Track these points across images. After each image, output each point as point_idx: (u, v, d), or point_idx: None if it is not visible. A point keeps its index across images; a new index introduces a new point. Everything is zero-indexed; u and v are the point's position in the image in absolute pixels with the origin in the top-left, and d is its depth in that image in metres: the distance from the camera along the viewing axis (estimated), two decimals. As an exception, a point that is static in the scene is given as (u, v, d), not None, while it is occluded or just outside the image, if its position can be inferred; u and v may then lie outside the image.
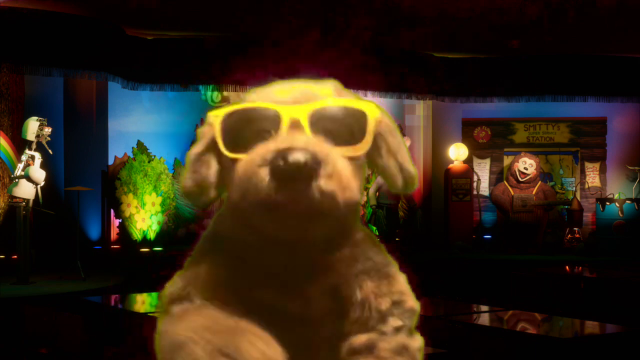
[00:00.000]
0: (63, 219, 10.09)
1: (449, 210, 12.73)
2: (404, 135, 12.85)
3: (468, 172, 12.78)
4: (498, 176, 13.45)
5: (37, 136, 8.74)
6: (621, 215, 12.02)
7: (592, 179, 13.47)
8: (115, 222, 11.28)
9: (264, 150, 1.23)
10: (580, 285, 8.65)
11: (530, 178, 12.54)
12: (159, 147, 11.71)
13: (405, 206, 12.30)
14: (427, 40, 11.88)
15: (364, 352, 1.33)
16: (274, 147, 1.22)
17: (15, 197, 8.66)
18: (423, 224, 12.98)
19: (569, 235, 12.32)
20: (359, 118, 1.33)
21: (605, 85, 12.89)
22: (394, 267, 1.41)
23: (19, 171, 8.69)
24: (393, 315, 1.36)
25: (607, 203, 12.19)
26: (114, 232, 11.34)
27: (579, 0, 9.73)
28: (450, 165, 12.81)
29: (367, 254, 1.38)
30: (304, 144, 1.23)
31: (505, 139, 13.57)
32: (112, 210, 11.21)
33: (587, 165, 13.49)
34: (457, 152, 12.73)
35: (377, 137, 1.35)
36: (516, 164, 12.65)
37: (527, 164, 12.56)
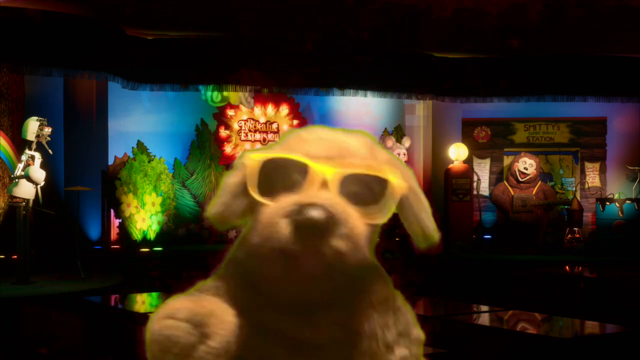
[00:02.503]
0: (63, 219, 10.09)
1: (449, 210, 12.73)
2: (403, 135, 12.91)
3: (468, 172, 12.78)
4: (498, 176, 13.45)
5: (37, 136, 8.73)
6: (621, 215, 12.02)
7: (592, 179, 13.47)
8: (115, 222, 11.28)
9: (288, 201, 1.29)
10: (580, 285, 8.65)
11: (530, 178, 12.55)
12: (159, 147, 11.71)
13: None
14: (427, 40, 11.88)
15: None
16: (297, 200, 1.28)
17: (15, 197, 8.66)
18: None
19: (569, 235, 12.32)
20: (385, 186, 1.37)
21: (605, 85, 12.89)
22: (399, 300, 1.47)
23: (19, 171, 8.69)
24: (399, 345, 1.43)
25: (607, 203, 12.19)
26: (114, 232, 11.35)
27: (579, 1, 9.73)
28: (450, 165, 12.81)
29: (375, 287, 1.44)
30: (326, 201, 1.28)
31: (505, 139, 13.57)
32: (112, 210, 11.22)
33: (587, 165, 13.49)
34: (457, 152, 12.73)
35: (402, 200, 1.40)
36: (516, 164, 12.65)
37: (527, 164, 12.56)
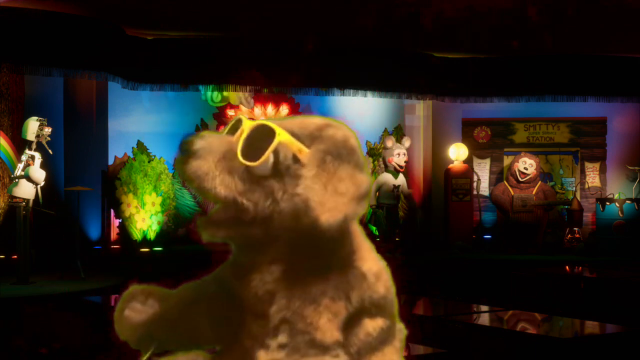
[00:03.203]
0: (63, 219, 10.09)
1: (449, 210, 12.73)
2: (403, 135, 12.91)
3: (468, 172, 12.78)
4: (498, 176, 13.45)
5: (37, 136, 8.73)
6: (621, 215, 12.02)
7: (592, 179, 13.47)
8: (115, 222, 11.28)
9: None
10: (580, 285, 8.65)
11: (530, 178, 12.54)
12: (159, 147, 11.70)
13: (405, 206, 12.31)
14: (427, 40, 11.88)
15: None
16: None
17: (15, 197, 8.66)
18: (423, 224, 12.98)
19: (569, 235, 12.32)
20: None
21: (605, 85, 12.89)
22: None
23: (19, 171, 8.69)
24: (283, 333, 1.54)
25: (607, 203, 12.19)
26: (114, 232, 11.34)
27: (579, 1, 9.73)
28: (450, 165, 12.81)
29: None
30: (198, 139, 1.65)
31: (505, 139, 13.57)
32: (112, 210, 11.21)
33: (587, 165, 13.49)
34: (457, 152, 12.73)
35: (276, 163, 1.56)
36: (516, 164, 12.65)
37: (527, 164, 12.56)
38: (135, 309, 1.76)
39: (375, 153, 12.65)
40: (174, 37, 11.55)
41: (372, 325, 1.52)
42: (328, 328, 1.51)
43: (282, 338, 1.50)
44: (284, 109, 12.51)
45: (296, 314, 1.50)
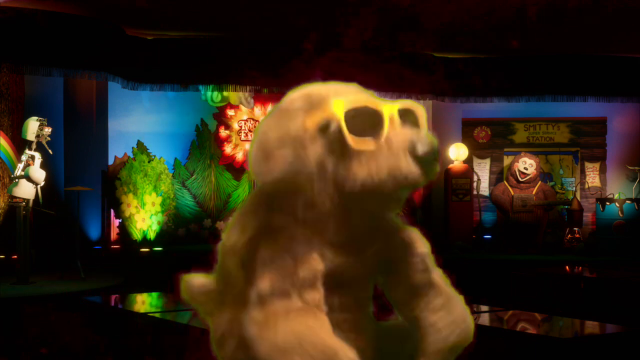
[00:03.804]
0: (63, 219, 10.09)
1: (449, 210, 12.73)
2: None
3: (468, 172, 12.78)
4: (498, 176, 13.45)
5: (37, 136, 8.73)
6: (621, 215, 12.02)
7: (592, 179, 13.47)
8: (115, 222, 11.28)
9: (399, 139, 1.57)
10: (580, 285, 8.65)
11: (530, 178, 12.54)
12: (159, 147, 11.71)
13: (405, 206, 12.29)
14: (427, 40, 11.87)
15: (427, 289, 1.84)
16: (408, 138, 1.58)
17: (15, 197, 8.66)
18: (423, 224, 12.96)
19: (569, 235, 12.32)
20: (415, 115, 1.69)
21: (605, 85, 12.89)
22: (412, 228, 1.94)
23: (19, 171, 8.69)
24: (428, 255, 1.95)
25: (607, 203, 12.19)
26: (114, 232, 11.34)
27: (580, 0, 9.73)
28: (450, 165, 12.81)
29: (398, 223, 1.95)
30: (423, 136, 1.59)
31: (505, 139, 13.57)
32: (112, 210, 11.21)
33: (587, 165, 13.49)
34: (457, 152, 12.73)
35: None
36: (516, 164, 12.65)
37: (527, 164, 12.56)
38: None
39: (375, 153, 12.66)
40: (174, 37, 11.55)
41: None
42: None
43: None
44: (284, 109, 12.50)
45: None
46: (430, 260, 1.84)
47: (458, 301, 1.89)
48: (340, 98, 1.60)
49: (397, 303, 1.80)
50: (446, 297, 1.82)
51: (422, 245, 1.86)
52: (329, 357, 1.50)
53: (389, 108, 1.58)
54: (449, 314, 1.81)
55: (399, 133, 1.55)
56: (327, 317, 1.58)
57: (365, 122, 1.56)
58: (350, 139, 1.56)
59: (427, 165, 1.56)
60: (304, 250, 1.59)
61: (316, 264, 1.60)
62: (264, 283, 1.56)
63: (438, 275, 1.85)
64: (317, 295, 1.59)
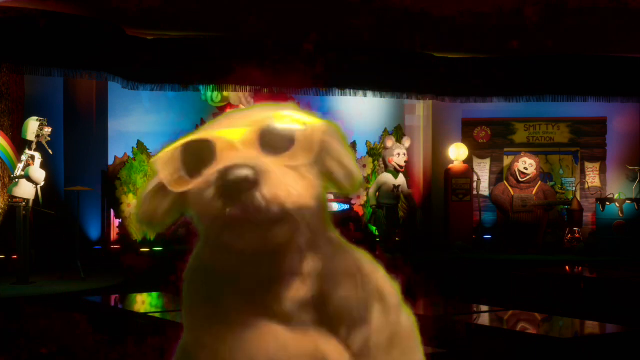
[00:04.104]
0: (63, 219, 10.09)
1: (449, 210, 12.73)
2: (403, 135, 12.90)
3: (468, 172, 12.78)
4: (498, 176, 13.45)
5: (37, 136, 8.73)
6: (621, 215, 12.02)
7: (592, 179, 13.47)
8: (115, 222, 11.28)
9: (206, 174, 1.32)
10: (580, 285, 8.65)
11: (530, 178, 12.54)
12: (159, 147, 11.70)
13: (405, 206, 12.30)
14: (427, 40, 11.88)
15: (390, 344, 1.42)
16: (215, 169, 1.31)
17: (15, 197, 8.66)
18: (423, 224, 12.98)
19: (569, 235, 12.32)
20: (294, 132, 1.38)
21: (605, 85, 12.89)
22: (366, 264, 1.46)
23: (19, 171, 8.69)
24: (376, 311, 1.42)
25: (607, 203, 12.19)
26: (114, 232, 11.34)
27: (579, 1, 9.73)
28: (450, 165, 12.81)
29: (339, 263, 1.42)
30: (242, 160, 1.31)
31: (505, 139, 13.57)
32: (112, 210, 11.21)
33: (587, 165, 13.49)
34: (457, 152, 12.73)
35: (322, 147, 1.39)
36: (516, 164, 12.65)
37: (527, 164, 12.56)
38: None
39: (376, 153, 12.66)
40: (174, 37, 11.55)
41: None
42: None
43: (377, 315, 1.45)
44: (284, 109, 12.51)
45: None
46: (396, 311, 1.45)
47: None
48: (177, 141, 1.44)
49: None
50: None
51: (387, 291, 1.46)
52: (315, 355, 1.42)
53: (230, 133, 1.36)
54: None
55: (221, 161, 1.32)
56: None
57: (201, 157, 1.38)
58: (168, 185, 1.39)
59: (230, 197, 1.29)
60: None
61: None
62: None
63: (407, 329, 1.46)
64: None
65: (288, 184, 1.32)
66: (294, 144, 1.36)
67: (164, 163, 1.43)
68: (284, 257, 1.35)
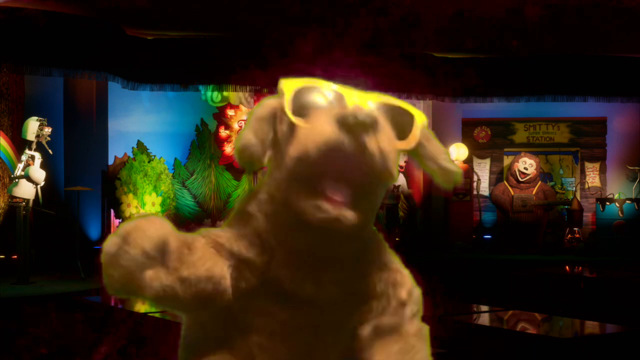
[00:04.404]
0: (63, 219, 10.09)
1: (449, 210, 12.73)
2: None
3: (468, 172, 12.78)
4: (498, 176, 13.45)
5: (37, 136, 8.73)
6: (621, 215, 12.02)
7: (592, 179, 13.47)
8: (115, 222, 11.28)
9: (332, 112, 1.33)
10: (580, 285, 8.65)
11: (530, 178, 12.54)
12: (159, 147, 11.71)
13: (405, 206, 12.31)
14: (427, 40, 11.88)
15: (390, 332, 1.46)
16: (342, 109, 1.34)
17: (15, 197, 8.66)
18: (423, 224, 12.98)
19: (569, 235, 12.32)
20: (409, 120, 1.43)
21: (605, 85, 12.89)
22: (399, 262, 1.54)
23: (19, 171, 8.69)
24: (410, 302, 1.50)
25: (607, 203, 12.19)
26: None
27: (579, 1, 9.73)
28: (450, 165, 12.80)
29: (379, 250, 1.50)
30: (371, 110, 1.35)
31: (505, 139, 13.57)
32: (112, 210, 11.21)
33: (587, 165, 13.49)
34: (457, 152, 12.73)
35: (421, 140, 1.45)
36: (516, 164, 12.65)
37: (527, 164, 12.56)
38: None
39: (375, 153, 12.66)
40: (174, 37, 11.55)
41: None
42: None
43: (410, 308, 1.50)
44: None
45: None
46: (411, 311, 1.48)
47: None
48: (294, 79, 1.44)
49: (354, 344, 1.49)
50: (409, 346, 1.47)
51: (407, 290, 1.49)
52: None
53: (361, 96, 1.39)
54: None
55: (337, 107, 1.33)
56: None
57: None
58: (289, 113, 1.37)
59: (356, 131, 1.28)
60: (240, 244, 1.38)
61: (221, 262, 1.38)
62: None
63: (414, 328, 1.49)
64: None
65: (394, 154, 1.35)
66: (404, 131, 1.41)
67: (288, 88, 1.43)
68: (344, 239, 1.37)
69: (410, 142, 1.41)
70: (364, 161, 1.30)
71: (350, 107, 1.33)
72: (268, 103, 1.44)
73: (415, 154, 1.46)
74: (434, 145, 1.48)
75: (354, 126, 1.29)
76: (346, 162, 1.30)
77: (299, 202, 1.31)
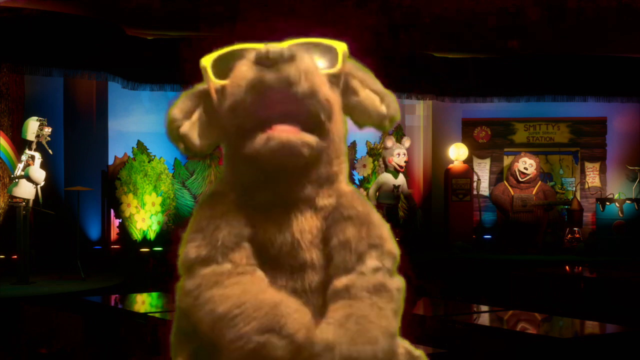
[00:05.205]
0: (63, 219, 10.09)
1: (449, 210, 12.73)
2: (403, 135, 12.91)
3: (468, 172, 12.78)
4: (498, 176, 13.45)
5: (37, 136, 8.73)
6: (621, 215, 12.02)
7: (592, 179, 13.47)
8: (115, 222, 11.28)
9: (250, 58, 1.46)
10: (580, 285, 8.65)
11: (530, 178, 12.54)
12: (159, 147, 11.70)
13: (405, 206, 12.30)
14: (427, 40, 11.88)
15: (343, 294, 1.46)
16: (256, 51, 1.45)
17: (15, 197, 8.66)
18: (423, 224, 12.98)
19: (569, 235, 12.32)
20: (330, 51, 1.57)
21: (605, 85, 12.89)
22: (376, 216, 1.57)
23: (19, 171, 8.69)
24: (371, 257, 1.51)
25: (607, 203, 12.19)
26: (114, 232, 11.34)
27: (579, 1, 9.74)
28: (450, 165, 12.81)
29: (352, 203, 1.54)
30: (288, 47, 1.45)
31: (505, 139, 13.57)
32: (112, 210, 11.21)
33: (587, 165, 13.49)
34: (457, 152, 12.73)
35: (347, 76, 1.61)
36: (516, 164, 12.65)
37: (527, 164, 12.56)
38: None
39: (375, 153, 12.65)
40: (174, 37, 11.55)
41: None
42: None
43: (371, 262, 1.50)
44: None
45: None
46: (374, 266, 1.46)
47: (377, 329, 1.43)
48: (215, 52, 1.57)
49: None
50: (359, 313, 1.43)
51: (372, 245, 1.49)
52: (272, 314, 1.39)
53: (273, 45, 1.49)
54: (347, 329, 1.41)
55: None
56: (259, 272, 1.48)
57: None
58: (212, 78, 1.53)
59: (274, 64, 1.39)
60: (232, 214, 1.49)
61: (239, 224, 1.49)
62: (190, 251, 1.53)
63: (372, 283, 1.46)
64: (243, 253, 1.48)
65: (321, 78, 1.44)
66: (330, 57, 1.52)
67: (211, 62, 1.59)
68: (302, 183, 1.42)
69: (336, 67, 1.52)
70: (290, 88, 1.39)
71: (264, 47, 1.44)
72: (197, 85, 1.58)
73: (347, 93, 1.54)
74: (363, 74, 1.62)
75: (271, 60, 1.40)
76: (274, 93, 1.39)
77: (252, 146, 1.39)
